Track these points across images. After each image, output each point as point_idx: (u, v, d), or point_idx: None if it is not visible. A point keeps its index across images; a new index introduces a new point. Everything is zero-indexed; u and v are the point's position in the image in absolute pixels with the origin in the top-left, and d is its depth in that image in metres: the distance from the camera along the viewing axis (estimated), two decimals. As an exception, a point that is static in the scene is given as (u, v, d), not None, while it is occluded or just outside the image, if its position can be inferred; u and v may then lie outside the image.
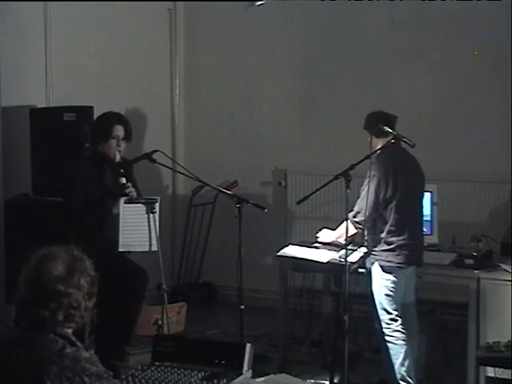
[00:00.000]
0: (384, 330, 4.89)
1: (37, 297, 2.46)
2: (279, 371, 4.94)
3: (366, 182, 4.87)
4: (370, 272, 4.95)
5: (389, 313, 4.88)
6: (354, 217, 4.87)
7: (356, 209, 4.89)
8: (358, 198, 4.92)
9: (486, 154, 6.42)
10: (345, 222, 4.83)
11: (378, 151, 4.89)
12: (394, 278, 4.86)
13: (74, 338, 2.50)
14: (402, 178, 4.89)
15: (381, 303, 4.89)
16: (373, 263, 4.91)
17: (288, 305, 5.67)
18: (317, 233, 5.42)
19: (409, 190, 4.92)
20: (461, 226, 6.04)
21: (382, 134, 4.93)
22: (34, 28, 6.38)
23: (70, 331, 2.51)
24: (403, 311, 4.95)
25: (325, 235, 5.36)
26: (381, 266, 4.87)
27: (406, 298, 5.03)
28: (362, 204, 4.83)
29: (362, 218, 4.85)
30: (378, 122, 4.95)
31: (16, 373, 2.43)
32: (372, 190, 4.81)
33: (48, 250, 2.52)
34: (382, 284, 4.88)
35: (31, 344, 2.45)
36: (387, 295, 4.87)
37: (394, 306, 4.88)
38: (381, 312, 4.90)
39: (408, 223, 4.90)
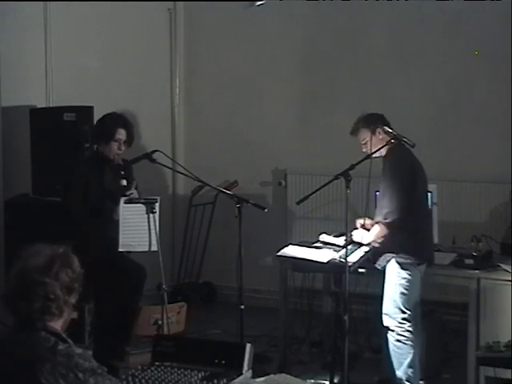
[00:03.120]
0: (395, 328, 4.84)
1: (16, 289, 2.47)
2: (279, 371, 4.93)
3: (385, 181, 4.80)
4: (383, 270, 4.90)
5: (403, 312, 4.83)
6: (385, 218, 4.79)
7: (385, 210, 4.79)
8: (376, 197, 4.87)
9: (486, 154, 6.42)
10: (376, 226, 4.83)
11: (388, 150, 4.89)
12: (410, 277, 4.82)
13: (64, 335, 2.49)
14: (418, 176, 4.89)
15: (395, 301, 4.84)
16: (389, 261, 4.88)
17: (288, 305, 5.67)
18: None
19: (422, 189, 4.94)
20: (461, 226, 6.04)
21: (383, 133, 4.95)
22: (34, 28, 6.39)
23: (58, 327, 2.50)
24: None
25: (358, 236, 5.09)
26: (398, 263, 4.83)
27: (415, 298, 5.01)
28: (392, 204, 4.74)
29: (396, 217, 4.75)
30: (377, 122, 4.96)
31: (9, 372, 2.43)
32: (403, 188, 4.75)
33: (35, 247, 2.53)
34: (398, 282, 4.84)
35: (23, 343, 2.45)
36: (403, 293, 4.83)
37: (408, 306, 4.84)
38: (394, 310, 4.84)
39: (423, 221, 4.92)
